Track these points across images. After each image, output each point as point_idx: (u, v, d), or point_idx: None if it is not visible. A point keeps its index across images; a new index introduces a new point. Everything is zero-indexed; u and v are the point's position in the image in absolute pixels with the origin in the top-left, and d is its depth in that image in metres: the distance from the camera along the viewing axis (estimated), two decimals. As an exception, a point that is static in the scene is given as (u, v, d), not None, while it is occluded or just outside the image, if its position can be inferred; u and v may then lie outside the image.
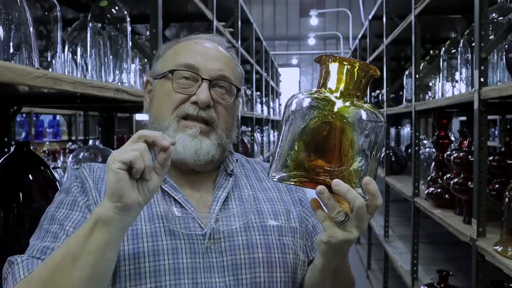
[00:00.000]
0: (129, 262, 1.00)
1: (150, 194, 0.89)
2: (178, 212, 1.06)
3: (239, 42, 4.27)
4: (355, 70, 0.89)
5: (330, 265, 1.00)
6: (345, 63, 0.89)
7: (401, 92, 4.27)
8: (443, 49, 2.79)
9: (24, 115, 5.58)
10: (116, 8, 1.69)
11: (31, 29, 1.16)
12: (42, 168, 1.51)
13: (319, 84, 0.92)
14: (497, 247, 1.73)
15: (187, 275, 1.01)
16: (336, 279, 1.06)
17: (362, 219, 0.87)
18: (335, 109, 0.86)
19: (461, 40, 2.45)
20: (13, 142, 2.04)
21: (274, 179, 0.89)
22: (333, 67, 0.90)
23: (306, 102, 0.88)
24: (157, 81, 1.15)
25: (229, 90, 1.13)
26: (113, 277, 0.98)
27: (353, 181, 0.85)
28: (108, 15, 1.67)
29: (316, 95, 0.89)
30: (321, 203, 0.89)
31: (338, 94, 0.88)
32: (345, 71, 0.89)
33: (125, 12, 1.72)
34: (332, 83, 0.89)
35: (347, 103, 0.87)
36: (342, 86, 0.89)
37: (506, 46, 1.75)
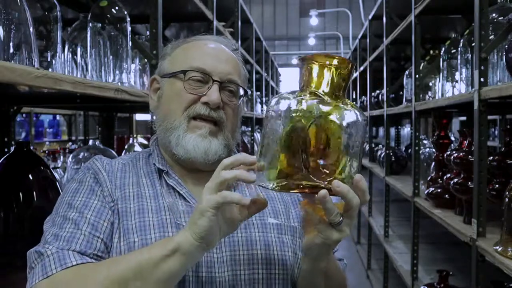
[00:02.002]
0: None
1: (225, 235, 0.93)
2: (183, 206, 1.08)
3: (239, 42, 4.28)
4: (334, 69, 0.88)
5: (320, 266, 1.01)
6: (322, 63, 0.88)
7: (401, 92, 4.27)
8: (443, 49, 2.79)
9: (24, 115, 5.58)
10: (116, 8, 1.69)
11: (31, 29, 1.16)
12: (42, 168, 1.51)
13: (300, 86, 0.91)
14: (497, 247, 1.73)
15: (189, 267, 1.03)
16: (328, 278, 1.06)
17: (353, 217, 0.89)
18: (320, 111, 0.85)
19: (461, 40, 2.44)
20: (13, 142, 2.04)
21: (268, 187, 0.88)
22: (313, 68, 0.89)
23: (288, 105, 0.86)
24: (165, 80, 1.17)
25: (236, 93, 1.15)
26: None
27: (345, 181, 0.85)
28: (108, 15, 1.67)
29: (298, 98, 0.87)
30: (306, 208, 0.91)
31: (320, 95, 0.87)
32: (325, 72, 0.88)
33: (125, 12, 1.72)
34: (313, 84, 0.88)
35: (330, 104, 0.86)
36: (323, 87, 0.88)
37: (506, 46, 1.75)
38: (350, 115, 0.86)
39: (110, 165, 1.15)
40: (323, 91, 0.88)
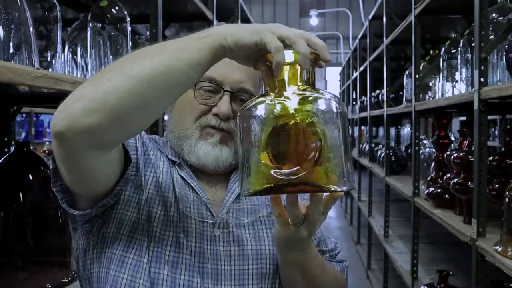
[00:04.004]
0: (160, 226, 1.04)
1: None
2: (193, 197, 1.09)
3: (239, 42, 4.26)
4: (293, 64, 0.86)
5: (288, 259, 1.02)
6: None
7: (401, 92, 4.27)
8: (443, 49, 2.79)
9: (24, 115, 5.58)
10: (116, 8, 1.69)
11: (31, 29, 1.16)
12: (42, 168, 1.51)
13: (265, 86, 0.89)
14: (497, 247, 1.73)
15: (195, 255, 1.04)
16: (305, 277, 1.05)
17: (315, 224, 0.93)
18: (293, 107, 0.83)
19: (461, 40, 2.44)
20: (13, 142, 2.04)
21: (248, 196, 0.86)
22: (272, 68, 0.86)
23: (260, 109, 0.84)
24: None
25: (249, 99, 1.13)
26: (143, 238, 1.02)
27: (327, 174, 0.81)
28: (108, 15, 1.67)
29: (266, 99, 0.85)
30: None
31: (290, 91, 0.85)
32: (289, 67, 0.86)
33: (125, 12, 1.72)
34: (278, 82, 0.87)
35: (300, 97, 0.84)
36: (289, 82, 0.86)
37: (506, 46, 1.75)
38: (323, 104, 0.84)
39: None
40: (291, 86, 0.86)
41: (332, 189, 0.82)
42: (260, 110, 0.85)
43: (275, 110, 0.84)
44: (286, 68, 0.86)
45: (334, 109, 0.84)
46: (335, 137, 0.83)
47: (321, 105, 0.84)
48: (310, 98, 0.84)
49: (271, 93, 0.87)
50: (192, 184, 1.11)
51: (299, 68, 0.86)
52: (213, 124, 1.09)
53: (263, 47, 0.85)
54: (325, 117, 0.83)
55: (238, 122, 0.88)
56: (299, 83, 0.86)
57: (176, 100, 0.96)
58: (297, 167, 0.80)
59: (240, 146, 0.87)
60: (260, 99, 0.86)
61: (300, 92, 0.85)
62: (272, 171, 0.81)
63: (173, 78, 0.85)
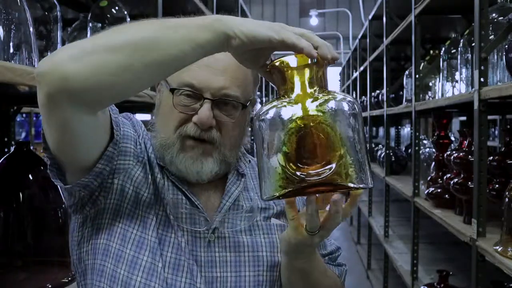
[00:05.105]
0: (162, 228, 1.02)
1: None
2: (185, 208, 1.05)
3: (239, 42, 4.26)
4: (309, 66, 0.87)
5: (293, 264, 1.00)
6: (295, 65, 0.87)
7: (401, 92, 4.27)
8: (443, 49, 2.79)
9: (24, 115, 5.59)
10: (116, 8, 1.70)
11: (31, 29, 1.16)
12: (42, 168, 1.51)
13: (279, 90, 0.89)
14: (497, 247, 1.73)
15: (187, 263, 1.01)
16: (307, 282, 1.04)
17: (329, 232, 0.91)
18: (308, 109, 0.83)
19: (461, 40, 2.45)
20: (13, 142, 2.05)
21: (269, 200, 0.86)
22: (289, 71, 0.87)
23: (277, 113, 0.84)
24: (164, 87, 1.09)
25: (236, 105, 1.05)
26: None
27: (346, 172, 0.82)
28: (108, 15, 1.67)
29: (282, 103, 0.85)
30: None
31: (303, 94, 0.85)
32: (301, 71, 0.87)
33: (125, 12, 1.72)
34: (293, 86, 0.86)
35: (317, 100, 0.84)
36: (304, 86, 0.86)
37: (506, 46, 1.75)
38: (337, 104, 0.85)
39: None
40: (304, 89, 0.86)
41: (355, 186, 0.83)
42: (276, 114, 0.84)
43: (292, 113, 0.84)
44: (297, 72, 0.86)
45: (349, 109, 0.85)
46: (353, 137, 0.84)
47: (337, 105, 0.85)
48: (325, 99, 0.85)
49: (285, 96, 0.87)
50: (183, 189, 1.06)
51: (309, 70, 0.86)
52: (193, 134, 1.02)
53: (277, 45, 0.83)
54: (341, 118, 0.84)
55: (254, 127, 0.87)
56: (311, 86, 0.87)
57: (168, 77, 0.97)
58: (320, 168, 0.81)
59: (259, 150, 0.86)
60: (274, 103, 0.86)
61: (314, 94, 0.86)
62: (294, 173, 0.81)
63: (166, 48, 0.83)
